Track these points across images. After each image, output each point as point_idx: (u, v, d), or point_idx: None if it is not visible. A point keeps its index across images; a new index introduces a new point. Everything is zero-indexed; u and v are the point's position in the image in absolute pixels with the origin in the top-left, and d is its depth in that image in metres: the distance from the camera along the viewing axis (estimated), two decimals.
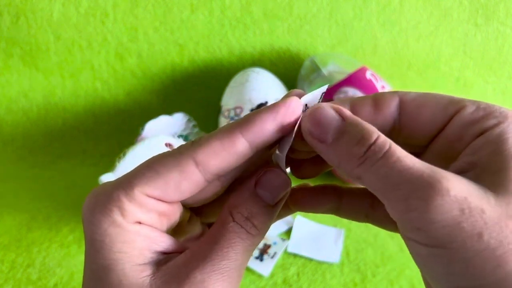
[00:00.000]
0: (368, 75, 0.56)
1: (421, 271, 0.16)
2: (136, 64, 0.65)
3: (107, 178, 0.41)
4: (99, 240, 0.16)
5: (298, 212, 0.34)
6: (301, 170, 0.21)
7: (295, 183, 0.23)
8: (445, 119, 0.17)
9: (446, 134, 0.17)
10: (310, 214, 0.51)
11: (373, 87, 0.55)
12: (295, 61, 0.66)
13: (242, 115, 0.53)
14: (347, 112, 0.17)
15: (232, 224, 0.17)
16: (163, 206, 0.17)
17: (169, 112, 0.56)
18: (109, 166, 0.44)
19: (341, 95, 0.55)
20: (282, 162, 0.19)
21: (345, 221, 0.50)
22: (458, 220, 0.13)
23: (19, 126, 0.65)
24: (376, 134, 0.16)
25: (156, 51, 0.64)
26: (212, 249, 0.17)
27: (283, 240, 0.48)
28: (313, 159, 0.21)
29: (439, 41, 0.67)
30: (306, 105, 0.19)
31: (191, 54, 0.65)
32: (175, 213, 0.18)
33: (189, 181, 0.17)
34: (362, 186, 0.17)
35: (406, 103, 0.18)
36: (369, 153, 0.15)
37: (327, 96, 0.20)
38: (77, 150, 0.64)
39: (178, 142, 0.47)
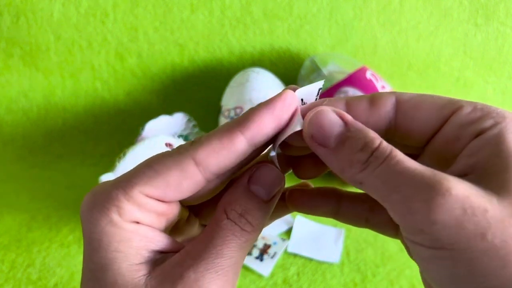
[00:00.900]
0: (368, 75, 0.56)
1: (424, 274, 0.16)
2: (136, 64, 0.65)
3: (107, 178, 0.41)
4: (96, 239, 0.16)
5: (298, 212, 0.34)
6: (303, 170, 0.21)
7: (295, 182, 0.23)
8: (442, 120, 0.17)
9: (443, 134, 0.17)
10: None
11: (373, 87, 0.55)
12: (295, 61, 0.66)
13: None
14: (349, 117, 0.17)
15: (226, 221, 0.17)
16: (161, 206, 0.17)
17: (169, 112, 0.56)
18: (109, 166, 0.44)
19: (341, 95, 0.55)
20: (275, 159, 0.19)
21: None
22: (460, 220, 0.13)
23: (19, 126, 0.65)
24: (378, 140, 0.16)
25: (156, 51, 0.64)
26: (206, 248, 0.17)
27: (283, 240, 0.48)
28: (314, 160, 0.21)
29: (439, 41, 0.67)
30: (302, 99, 0.19)
31: (191, 54, 0.65)
32: (173, 212, 0.18)
33: (189, 181, 0.17)
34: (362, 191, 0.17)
35: (402, 103, 0.18)
36: (371, 158, 0.15)
37: (327, 96, 0.20)
38: (77, 150, 0.64)
39: (178, 142, 0.47)
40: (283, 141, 0.18)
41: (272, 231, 0.49)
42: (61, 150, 0.65)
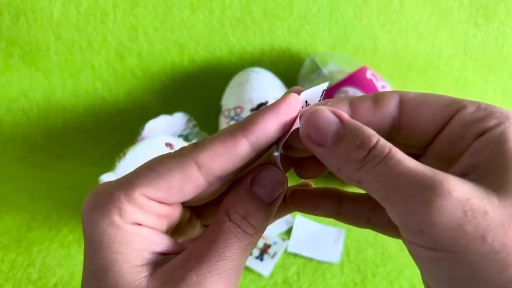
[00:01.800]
0: (369, 74, 0.56)
1: (424, 275, 0.16)
2: (136, 64, 0.65)
3: (107, 178, 0.41)
4: (98, 240, 0.16)
5: (298, 212, 0.34)
6: (304, 170, 0.21)
7: (296, 181, 0.23)
8: (445, 119, 0.17)
9: (446, 134, 0.17)
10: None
11: (373, 87, 0.55)
12: (295, 61, 0.66)
13: (242, 115, 0.53)
14: (345, 115, 0.17)
15: (228, 223, 0.17)
16: (163, 208, 0.17)
17: (169, 112, 0.56)
18: (109, 166, 0.44)
19: (342, 95, 0.55)
20: (278, 160, 0.18)
21: None
22: (460, 222, 0.13)
23: (19, 126, 0.65)
24: (376, 137, 0.16)
25: (156, 51, 0.64)
26: (208, 250, 0.17)
27: (283, 240, 0.48)
28: (315, 160, 0.21)
29: (439, 41, 0.67)
30: (306, 101, 0.18)
31: (191, 54, 0.65)
32: (175, 213, 0.18)
33: (192, 184, 0.17)
34: (363, 191, 0.17)
35: (406, 102, 0.18)
36: (369, 157, 0.15)
37: (327, 96, 0.20)
38: (77, 150, 0.64)
39: (178, 142, 0.47)
40: (286, 142, 0.18)
41: (272, 231, 0.49)
42: (61, 150, 0.64)
